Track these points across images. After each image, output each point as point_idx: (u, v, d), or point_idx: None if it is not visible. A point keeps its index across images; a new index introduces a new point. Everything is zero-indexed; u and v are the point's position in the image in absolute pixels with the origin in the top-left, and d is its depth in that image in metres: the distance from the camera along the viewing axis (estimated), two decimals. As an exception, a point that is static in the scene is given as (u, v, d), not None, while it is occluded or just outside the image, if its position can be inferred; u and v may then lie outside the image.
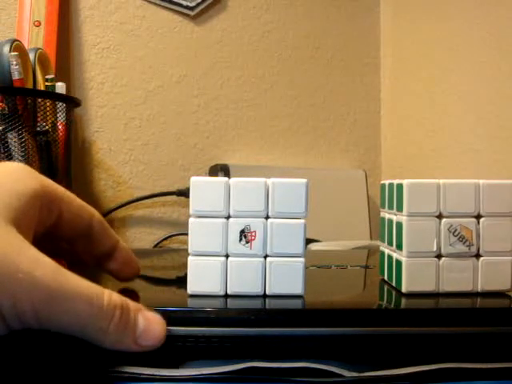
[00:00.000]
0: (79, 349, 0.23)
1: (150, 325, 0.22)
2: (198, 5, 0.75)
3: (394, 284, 0.29)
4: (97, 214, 0.26)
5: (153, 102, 0.74)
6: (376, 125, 0.85)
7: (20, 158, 0.52)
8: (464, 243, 0.27)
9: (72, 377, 0.22)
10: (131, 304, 0.22)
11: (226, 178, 0.26)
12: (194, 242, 0.26)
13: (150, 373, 0.22)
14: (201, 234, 0.26)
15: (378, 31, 0.85)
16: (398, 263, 0.28)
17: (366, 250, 0.53)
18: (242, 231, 0.26)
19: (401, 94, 0.80)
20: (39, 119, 0.55)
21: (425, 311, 0.25)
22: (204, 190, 0.26)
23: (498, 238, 0.28)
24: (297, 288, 0.26)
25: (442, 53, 0.69)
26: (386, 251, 0.31)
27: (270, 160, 0.79)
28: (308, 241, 0.59)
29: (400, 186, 0.28)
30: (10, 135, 0.52)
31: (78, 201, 0.26)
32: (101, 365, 0.23)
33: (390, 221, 0.30)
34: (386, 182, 0.31)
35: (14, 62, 0.53)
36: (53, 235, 0.25)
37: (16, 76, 0.53)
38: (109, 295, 0.21)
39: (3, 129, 0.52)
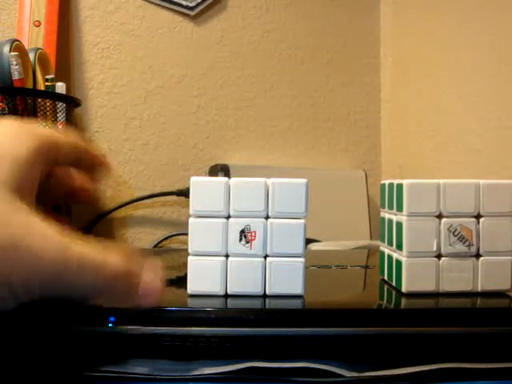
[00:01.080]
0: (79, 349, 0.23)
1: (148, 284, 0.23)
2: (198, 5, 0.75)
3: (394, 284, 0.29)
4: (79, 141, 0.26)
5: (153, 102, 0.74)
6: (376, 125, 0.85)
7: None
8: (464, 243, 0.27)
9: (72, 377, 0.22)
10: (133, 267, 0.23)
11: (226, 178, 0.26)
12: (194, 241, 0.26)
13: (150, 373, 0.22)
14: (201, 234, 0.26)
15: (378, 31, 0.85)
16: (398, 263, 0.28)
17: (366, 250, 0.53)
18: (242, 231, 0.26)
19: (401, 94, 0.80)
20: (39, 119, 0.55)
21: (425, 311, 0.25)
22: (204, 189, 0.26)
23: (498, 238, 0.28)
24: (297, 288, 0.26)
25: (442, 53, 0.69)
26: (386, 251, 0.31)
27: (270, 160, 0.79)
28: (308, 241, 0.59)
29: (400, 186, 0.28)
30: (10, 135, 0.52)
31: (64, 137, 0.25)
32: (101, 365, 0.23)
33: (390, 221, 0.30)
34: (386, 182, 0.31)
35: (14, 62, 0.53)
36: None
37: (16, 76, 0.53)
38: (112, 263, 0.22)
39: (3, 129, 0.52)
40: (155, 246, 0.70)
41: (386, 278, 0.31)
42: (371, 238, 0.73)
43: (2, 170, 0.21)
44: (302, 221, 0.27)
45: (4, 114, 0.52)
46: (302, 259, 0.26)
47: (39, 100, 0.55)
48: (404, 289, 0.28)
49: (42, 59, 0.59)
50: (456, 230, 0.27)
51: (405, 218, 0.28)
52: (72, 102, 0.60)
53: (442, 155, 0.69)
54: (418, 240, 0.28)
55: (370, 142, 0.84)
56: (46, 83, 0.58)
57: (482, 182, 0.28)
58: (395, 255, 0.29)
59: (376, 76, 0.85)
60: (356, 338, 0.24)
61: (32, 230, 0.20)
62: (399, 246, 0.28)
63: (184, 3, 0.75)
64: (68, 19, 0.70)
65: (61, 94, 0.59)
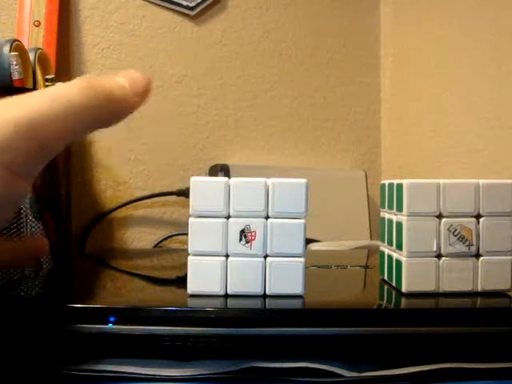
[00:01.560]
0: (79, 348, 0.23)
1: (130, 75, 0.23)
2: (198, 5, 0.75)
3: (394, 284, 0.29)
4: None
5: (153, 102, 0.74)
6: (376, 125, 0.85)
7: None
8: (464, 243, 0.27)
9: (72, 377, 0.22)
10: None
11: (226, 178, 0.26)
12: (194, 241, 0.26)
13: (150, 373, 0.22)
14: (201, 234, 0.26)
15: (378, 31, 0.85)
16: (398, 263, 0.28)
17: (366, 250, 0.53)
18: (242, 231, 0.26)
19: (401, 94, 0.80)
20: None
21: (425, 311, 0.25)
22: (204, 189, 0.26)
23: (498, 238, 0.28)
24: (297, 288, 0.26)
25: (442, 53, 0.69)
26: (386, 251, 0.31)
27: (270, 160, 0.79)
28: (308, 241, 0.59)
29: (400, 186, 0.28)
30: (10, 135, 0.52)
31: None
32: (101, 364, 0.23)
33: (390, 221, 0.30)
34: (386, 182, 0.31)
35: (14, 62, 0.53)
36: None
37: (16, 76, 0.53)
38: (72, 84, 0.21)
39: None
40: (155, 246, 0.70)
41: (386, 277, 0.31)
42: (371, 238, 0.73)
43: None
44: (302, 221, 0.27)
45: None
46: (302, 259, 0.26)
47: (39, 100, 0.55)
48: (404, 289, 0.28)
49: (42, 59, 0.59)
50: (456, 230, 0.27)
51: (405, 218, 0.28)
52: (72, 102, 0.60)
53: (442, 155, 0.69)
54: (418, 240, 0.28)
55: (370, 142, 0.84)
56: (46, 83, 0.58)
57: (481, 181, 0.28)
58: (395, 255, 0.29)
59: (376, 76, 0.85)
60: (356, 337, 0.24)
61: None
62: (399, 246, 0.28)
63: (184, 3, 0.75)
64: (68, 19, 0.70)
65: (61, 94, 0.59)
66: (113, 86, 0.22)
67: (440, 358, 0.24)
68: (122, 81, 0.22)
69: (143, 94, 0.23)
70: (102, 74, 0.72)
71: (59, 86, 0.21)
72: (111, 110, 0.22)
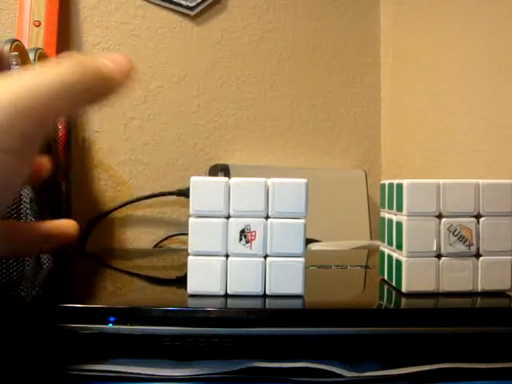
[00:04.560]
0: (79, 348, 0.23)
1: (113, 55, 0.23)
2: (198, 5, 0.75)
3: (394, 284, 0.29)
4: None
5: (153, 102, 0.74)
6: (376, 125, 0.85)
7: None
8: (464, 243, 0.27)
9: (71, 377, 0.22)
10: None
11: (226, 178, 0.26)
12: (194, 241, 0.26)
13: (150, 373, 0.22)
14: (201, 234, 0.26)
15: (378, 31, 0.85)
16: (398, 263, 0.28)
17: (366, 250, 0.53)
18: (242, 231, 0.26)
19: (401, 94, 0.80)
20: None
21: (425, 311, 0.25)
22: (204, 190, 0.26)
23: (498, 238, 0.28)
24: (297, 288, 0.26)
25: (443, 53, 0.69)
26: (386, 251, 0.31)
27: (270, 160, 0.79)
28: (308, 241, 0.59)
29: (400, 186, 0.28)
30: (10, 135, 0.52)
31: None
32: (101, 365, 0.23)
33: (390, 221, 0.30)
34: (386, 182, 0.31)
35: (14, 62, 0.53)
36: None
37: (16, 76, 0.53)
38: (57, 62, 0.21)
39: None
40: (155, 246, 0.70)
41: (386, 277, 0.31)
42: (371, 238, 0.73)
43: None
44: (302, 221, 0.27)
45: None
46: (302, 259, 0.26)
47: (39, 100, 0.55)
48: (404, 289, 0.28)
49: (42, 59, 0.59)
50: (456, 229, 0.27)
51: (405, 217, 0.28)
52: (72, 102, 0.60)
53: (442, 155, 0.69)
54: (417, 240, 0.28)
55: (370, 142, 0.84)
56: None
57: (481, 181, 0.28)
58: (395, 255, 0.29)
59: (376, 76, 0.85)
60: (356, 337, 0.24)
61: None
62: (399, 246, 0.28)
63: (184, 3, 0.75)
64: (68, 19, 0.70)
65: (61, 94, 0.59)
66: (99, 64, 0.23)
67: (440, 358, 0.24)
68: (106, 61, 0.23)
69: (127, 72, 0.24)
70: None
71: (50, 63, 0.21)
72: (100, 85, 0.23)
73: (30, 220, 0.41)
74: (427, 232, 0.27)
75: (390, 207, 0.30)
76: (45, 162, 0.27)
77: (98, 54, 0.23)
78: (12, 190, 0.21)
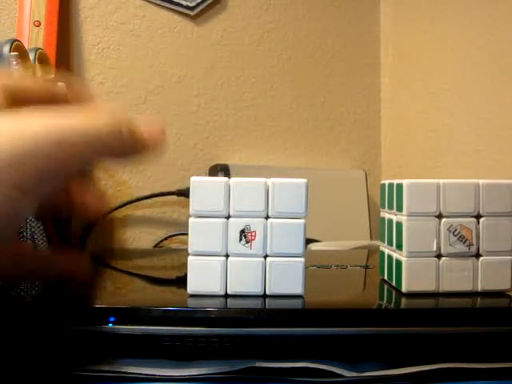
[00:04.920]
0: (79, 348, 0.23)
1: (146, 122, 0.23)
2: (198, 5, 0.75)
3: (394, 284, 0.29)
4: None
5: (153, 102, 0.74)
6: (376, 125, 0.85)
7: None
8: (464, 243, 0.27)
9: (71, 377, 0.22)
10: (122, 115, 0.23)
11: (226, 178, 0.26)
12: (194, 241, 0.26)
13: (150, 373, 0.22)
14: (201, 234, 0.26)
15: (378, 31, 0.85)
16: (398, 263, 0.28)
17: (366, 250, 0.53)
18: (242, 231, 0.26)
19: (401, 94, 0.80)
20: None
21: (425, 311, 0.25)
22: (204, 190, 0.26)
23: (498, 238, 0.28)
24: (297, 288, 0.26)
25: (443, 53, 0.69)
26: (386, 251, 0.31)
27: (270, 160, 0.79)
28: (308, 241, 0.59)
29: (400, 186, 0.28)
30: (10, 135, 0.52)
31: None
32: (100, 365, 0.23)
33: (390, 221, 0.30)
34: (386, 182, 0.31)
35: (14, 62, 0.53)
36: None
37: (16, 76, 0.53)
38: (93, 113, 0.22)
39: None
40: (155, 246, 0.70)
41: (386, 277, 0.31)
42: (371, 238, 0.73)
43: None
44: (302, 221, 0.27)
45: (4, 114, 0.52)
46: (302, 259, 0.26)
47: (39, 100, 0.55)
48: (404, 289, 0.28)
49: (42, 59, 0.59)
50: (456, 229, 0.27)
51: (405, 218, 0.28)
52: (72, 102, 0.60)
53: (442, 155, 0.69)
54: (418, 240, 0.28)
55: (370, 142, 0.84)
56: (46, 83, 0.58)
57: (481, 181, 0.28)
58: (395, 255, 0.29)
59: (376, 76, 0.85)
60: (356, 337, 0.24)
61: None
62: (399, 246, 0.28)
63: (184, 3, 0.75)
64: (68, 19, 0.70)
65: (61, 94, 0.59)
66: (135, 129, 0.22)
67: (440, 358, 0.24)
68: (143, 126, 0.23)
69: (158, 143, 0.23)
70: (102, 74, 0.72)
71: (89, 112, 0.21)
72: (130, 150, 0.23)
73: (31, 220, 0.41)
74: (427, 232, 0.27)
75: (390, 207, 0.30)
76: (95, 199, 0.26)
77: (137, 117, 0.23)
78: (13, 224, 0.21)
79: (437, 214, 0.28)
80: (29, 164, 0.19)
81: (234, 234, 0.26)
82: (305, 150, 0.81)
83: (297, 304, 0.26)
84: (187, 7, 0.75)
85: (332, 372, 0.23)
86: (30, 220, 0.40)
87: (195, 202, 0.26)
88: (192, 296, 0.26)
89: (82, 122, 0.21)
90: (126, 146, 0.22)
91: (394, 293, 0.29)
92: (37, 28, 0.64)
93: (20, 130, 0.19)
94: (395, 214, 0.29)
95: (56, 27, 0.66)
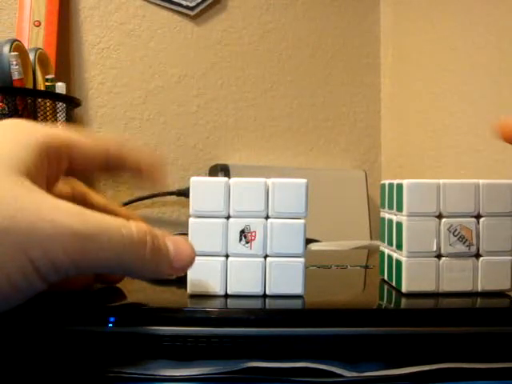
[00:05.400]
0: (79, 349, 0.23)
1: (179, 247, 0.23)
2: (198, 5, 0.75)
3: (394, 284, 0.29)
4: (113, 145, 0.26)
5: (153, 102, 0.74)
6: (376, 125, 0.85)
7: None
8: (464, 243, 0.27)
9: (71, 377, 0.22)
10: (157, 230, 0.22)
11: (226, 178, 0.26)
12: (194, 242, 0.26)
13: (150, 373, 0.22)
14: (201, 234, 0.26)
15: (378, 31, 0.85)
16: (398, 263, 0.28)
17: (366, 250, 0.53)
18: (242, 231, 0.26)
19: (401, 94, 0.80)
20: (39, 119, 0.55)
21: (425, 311, 0.25)
22: (204, 189, 0.26)
23: (498, 238, 0.28)
24: (297, 288, 0.26)
25: (443, 53, 0.69)
26: (386, 251, 0.31)
27: (270, 160, 0.79)
28: (308, 241, 0.59)
29: (400, 186, 0.28)
30: (10, 135, 0.52)
31: (90, 140, 0.25)
32: (101, 365, 0.23)
33: (390, 221, 0.30)
34: (386, 182, 0.31)
35: (14, 62, 0.53)
36: (70, 178, 0.25)
37: (16, 76, 0.53)
38: (135, 224, 0.21)
39: (3, 129, 0.52)
40: (155, 246, 0.70)
41: (386, 278, 0.31)
42: (371, 238, 0.73)
43: (7, 152, 0.20)
44: (302, 221, 0.26)
45: (4, 114, 0.52)
46: (302, 259, 0.26)
47: (39, 100, 0.55)
48: (404, 289, 0.28)
49: (42, 59, 0.59)
50: (456, 229, 0.27)
51: (405, 218, 0.28)
52: (72, 102, 0.60)
53: (442, 155, 0.69)
54: (418, 240, 0.27)
55: (370, 142, 0.84)
56: (46, 83, 0.58)
57: (481, 181, 0.28)
58: (395, 255, 0.29)
59: (376, 76, 0.85)
60: (356, 337, 0.24)
61: (41, 199, 0.20)
62: (399, 246, 0.28)
63: (184, 3, 0.75)
64: (68, 19, 0.70)
65: (61, 94, 0.59)
66: (165, 250, 0.22)
67: (440, 358, 0.24)
68: (171, 247, 0.22)
69: (185, 266, 0.23)
70: (102, 74, 0.72)
71: (126, 225, 0.21)
72: (150, 270, 0.22)
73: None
74: (427, 232, 0.27)
75: (390, 207, 0.30)
76: None
77: (173, 238, 0.23)
78: (20, 299, 0.21)
79: (437, 214, 0.28)
80: (59, 256, 0.19)
81: (234, 234, 0.26)
82: (305, 150, 0.81)
83: (297, 304, 0.26)
84: (187, 7, 0.75)
85: (332, 372, 0.23)
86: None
87: (195, 202, 0.26)
88: (192, 296, 0.26)
89: (119, 234, 0.20)
90: (152, 266, 0.22)
91: (393, 293, 0.29)
92: (37, 28, 0.65)
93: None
94: (395, 214, 0.29)
95: (56, 27, 0.66)
